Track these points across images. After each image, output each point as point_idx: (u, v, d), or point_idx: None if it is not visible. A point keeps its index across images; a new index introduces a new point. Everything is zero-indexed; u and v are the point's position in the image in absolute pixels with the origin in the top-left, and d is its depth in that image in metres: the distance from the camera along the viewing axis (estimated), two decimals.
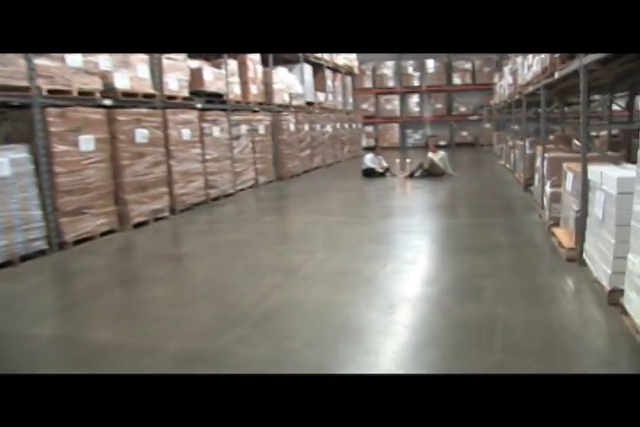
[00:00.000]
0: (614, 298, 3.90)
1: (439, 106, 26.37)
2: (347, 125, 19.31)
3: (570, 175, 5.49)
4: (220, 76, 10.15)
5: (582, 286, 4.45)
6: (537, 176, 8.09)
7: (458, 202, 9.18)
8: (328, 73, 17.74)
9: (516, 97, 11.25)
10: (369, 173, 13.17)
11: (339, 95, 19.12)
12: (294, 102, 14.31)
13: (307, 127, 14.83)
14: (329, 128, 17.13)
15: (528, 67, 9.23)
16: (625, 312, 3.65)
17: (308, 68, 15.78)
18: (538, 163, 8.57)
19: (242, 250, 6.06)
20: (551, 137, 9.89)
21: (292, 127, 13.64)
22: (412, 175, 12.68)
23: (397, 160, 13.63)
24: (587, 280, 4.49)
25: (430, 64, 26.02)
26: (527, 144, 10.06)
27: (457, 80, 25.94)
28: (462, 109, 26.21)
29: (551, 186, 6.44)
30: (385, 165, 13.45)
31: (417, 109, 26.69)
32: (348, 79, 20.64)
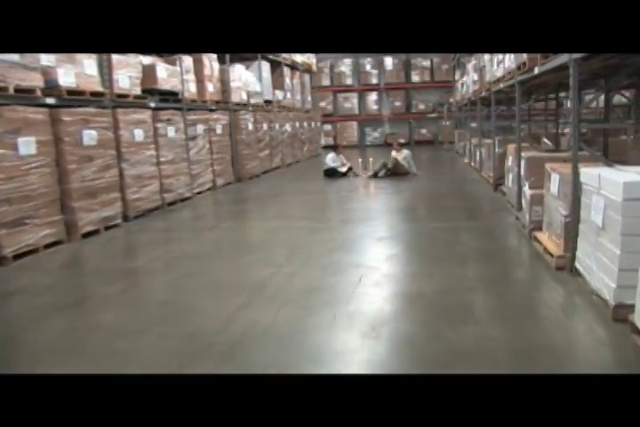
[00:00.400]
0: (621, 314, 3.53)
1: (398, 104, 26.14)
2: (306, 124, 18.84)
3: (555, 177, 5.13)
4: (175, 73, 9.55)
5: (579, 299, 4.07)
6: (510, 176, 7.76)
7: (428, 204, 8.80)
8: (286, 70, 17.22)
9: (483, 94, 10.93)
10: (331, 174, 12.74)
11: (297, 93, 18.62)
12: (252, 101, 13.76)
13: (265, 126, 14.30)
14: (288, 127, 16.63)
15: (498, 63, 8.92)
16: (637, 331, 3.28)
17: (265, 66, 15.24)
18: (510, 162, 8.25)
19: (201, 263, 5.52)
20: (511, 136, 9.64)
21: (250, 126, 13.10)
22: (375, 175, 12.30)
23: (360, 159, 13.22)
24: (582, 292, 4.12)
25: (388, 62, 25.75)
26: (496, 142, 9.76)
27: (415, 78, 25.75)
28: (421, 107, 26.02)
29: (530, 187, 6.08)
30: (347, 164, 13.03)
31: (375, 107, 26.42)
32: (307, 77, 20.16)
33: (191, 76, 10.42)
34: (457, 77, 19.00)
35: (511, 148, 8.40)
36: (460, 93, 17.30)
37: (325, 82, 25.96)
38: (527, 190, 6.15)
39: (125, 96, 8.04)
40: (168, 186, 9.10)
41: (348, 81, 26.24)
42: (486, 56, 10.52)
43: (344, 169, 12.75)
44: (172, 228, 7.61)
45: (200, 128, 10.51)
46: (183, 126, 9.75)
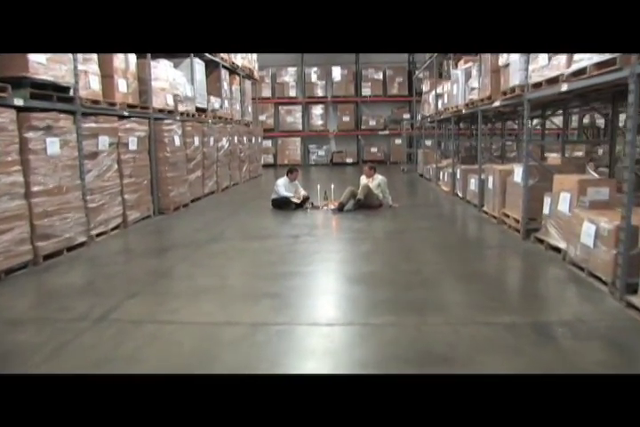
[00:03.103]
0: None
1: (346, 119, 23.51)
2: (245, 139, 15.78)
3: None
4: (62, 59, 6.35)
5: None
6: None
7: (438, 265, 5.89)
8: (224, 74, 14.15)
9: (482, 107, 8.21)
10: (280, 204, 9.77)
11: (237, 102, 15.55)
12: (181, 108, 10.65)
13: (197, 141, 11.18)
14: (225, 142, 13.54)
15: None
16: None
17: (199, 65, 12.18)
18: (564, 204, 5.61)
19: None
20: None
21: (177, 141, 9.94)
22: (341, 208, 9.41)
23: (319, 186, 10.28)
24: None
25: (337, 72, 23.14)
26: (520, 170, 7.06)
27: (366, 91, 23.17)
28: (372, 123, 23.44)
29: None
30: (303, 193, 10.09)
31: (321, 122, 23.66)
32: (248, 84, 17.13)
33: (93, 67, 7.26)
34: (425, 88, 16.39)
35: (569, 182, 5.71)
36: (432, 108, 14.67)
37: (266, 93, 23.03)
38: None
39: None
40: (45, 229, 5.91)
41: (292, 92, 23.41)
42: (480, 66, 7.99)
43: (298, 199, 9.80)
44: (35, 317, 4.31)
45: (104, 141, 7.33)
46: (76, 137, 6.57)
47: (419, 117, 18.70)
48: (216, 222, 8.62)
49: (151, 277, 5.33)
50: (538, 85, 6.14)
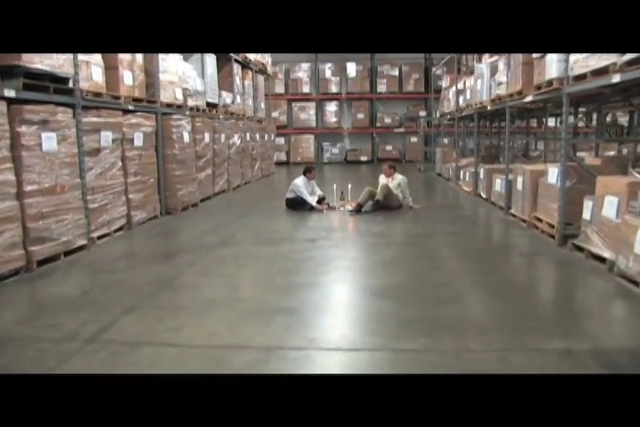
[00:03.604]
0: None
1: (361, 116, 22.90)
2: (258, 136, 15.26)
3: None
4: None
5: None
6: (594, 228, 4.44)
7: (470, 275, 5.33)
8: (237, 68, 13.63)
9: (524, 100, 7.61)
10: (295, 205, 9.25)
11: (249, 98, 15.03)
12: (191, 102, 10.14)
13: (207, 138, 10.67)
14: (237, 139, 13.02)
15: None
16: None
17: (211, 59, 11.67)
18: (609, 210, 5.07)
19: None
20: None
21: (186, 137, 9.44)
22: (359, 210, 8.87)
23: (335, 186, 9.76)
24: None
25: (351, 68, 22.51)
26: (555, 171, 6.50)
27: (382, 87, 22.53)
28: (387, 121, 22.82)
29: None
30: (320, 193, 9.57)
31: (335, 119, 23.06)
32: (261, 79, 16.59)
33: (95, 58, 6.76)
34: (444, 84, 15.79)
35: (616, 185, 5.16)
36: (452, 104, 14.08)
37: (279, 89, 22.50)
38: None
39: None
40: (40, 232, 5.42)
41: (306, 89, 22.84)
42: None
43: (314, 200, 9.26)
44: (23, 337, 3.84)
45: (107, 137, 6.83)
46: (75, 133, 6.08)
47: (437, 115, 18.10)
48: (227, 224, 8.11)
49: (153, 286, 4.81)
50: (581, 77, 5.57)
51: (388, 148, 22.70)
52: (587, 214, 5.76)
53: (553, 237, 6.47)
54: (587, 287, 4.85)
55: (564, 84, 5.93)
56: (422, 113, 22.02)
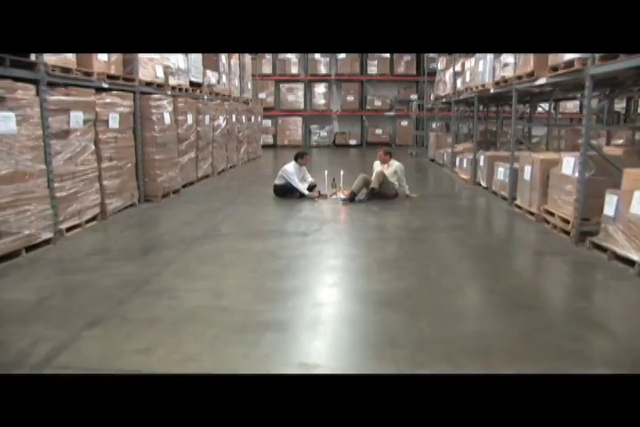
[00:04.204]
0: None
1: (350, 98, 22.20)
2: (244, 118, 14.54)
3: None
4: None
5: None
6: (619, 226, 3.87)
7: (485, 280, 4.74)
8: None
9: (536, 82, 6.99)
10: (283, 192, 8.62)
11: (235, 78, 14.28)
12: (172, 81, 9.41)
13: (190, 119, 9.95)
14: (221, 121, 12.31)
15: None
16: None
17: None
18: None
19: None
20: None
21: (167, 118, 8.72)
22: (352, 198, 8.27)
23: (326, 172, 9.12)
24: None
25: None
26: (571, 161, 5.93)
27: (372, 69, 21.81)
28: (377, 104, 22.14)
29: None
30: (311, 179, 8.94)
31: (324, 102, 22.34)
32: (248, 58, 15.82)
33: None
34: (440, 66, 15.10)
35: None
36: (448, 87, 13.43)
37: (267, 69, 21.72)
38: None
39: None
40: None
41: (294, 70, 22.09)
42: None
43: (305, 187, 8.64)
44: None
45: (77, 117, 6.13)
46: (39, 113, 5.38)
47: (430, 98, 17.45)
48: (210, 213, 7.45)
49: (123, 291, 4.17)
50: (608, 58, 4.96)
51: (378, 131, 22.08)
52: (609, 210, 5.19)
53: (567, 233, 5.91)
54: (619, 297, 4.27)
55: (588, 65, 5.32)
56: (413, 96, 21.38)
